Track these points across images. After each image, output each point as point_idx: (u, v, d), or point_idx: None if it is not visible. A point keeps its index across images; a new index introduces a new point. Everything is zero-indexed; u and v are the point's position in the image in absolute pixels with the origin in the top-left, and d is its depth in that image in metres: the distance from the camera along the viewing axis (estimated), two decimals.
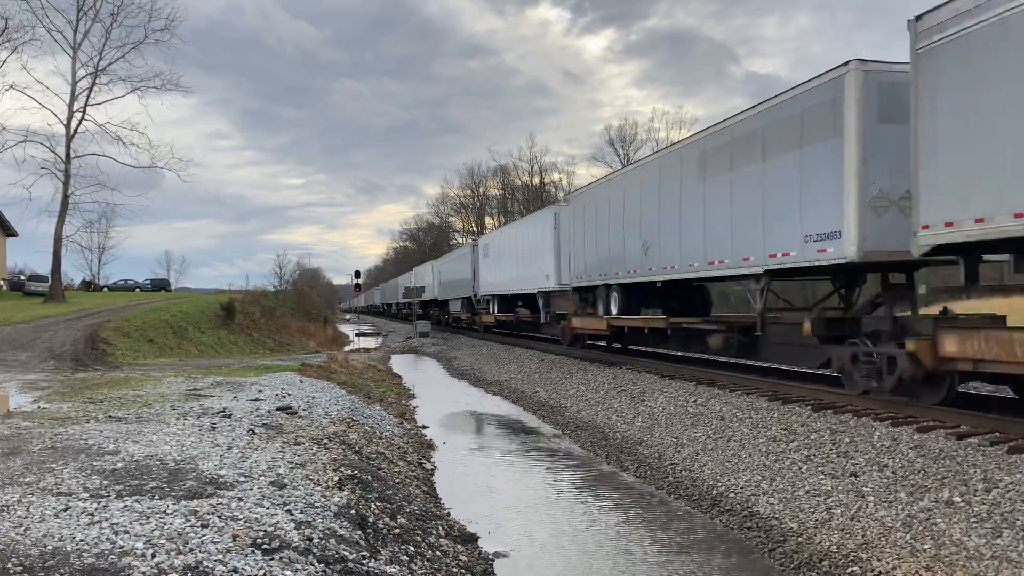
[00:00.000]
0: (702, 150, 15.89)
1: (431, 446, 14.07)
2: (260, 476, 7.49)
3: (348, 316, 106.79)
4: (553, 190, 73.27)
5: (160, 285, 73.91)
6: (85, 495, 6.43)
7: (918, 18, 10.08)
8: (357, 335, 56.08)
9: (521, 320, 34.42)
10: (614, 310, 21.24)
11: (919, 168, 9.97)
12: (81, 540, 5.19)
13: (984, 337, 9.64)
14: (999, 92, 8.82)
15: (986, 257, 10.35)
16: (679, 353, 20.47)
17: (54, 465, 7.53)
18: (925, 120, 9.92)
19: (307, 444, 9.58)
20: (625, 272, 19.99)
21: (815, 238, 12.07)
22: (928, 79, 9.87)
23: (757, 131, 13.74)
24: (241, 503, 6.38)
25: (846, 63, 11.44)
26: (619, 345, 24.15)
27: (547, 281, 27.82)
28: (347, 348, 40.38)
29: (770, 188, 13.32)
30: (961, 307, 12.69)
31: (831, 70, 11.78)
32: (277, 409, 12.24)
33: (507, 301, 35.85)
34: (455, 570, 6.89)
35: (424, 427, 16.05)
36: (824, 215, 11.85)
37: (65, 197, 40.83)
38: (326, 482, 7.73)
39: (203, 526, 5.64)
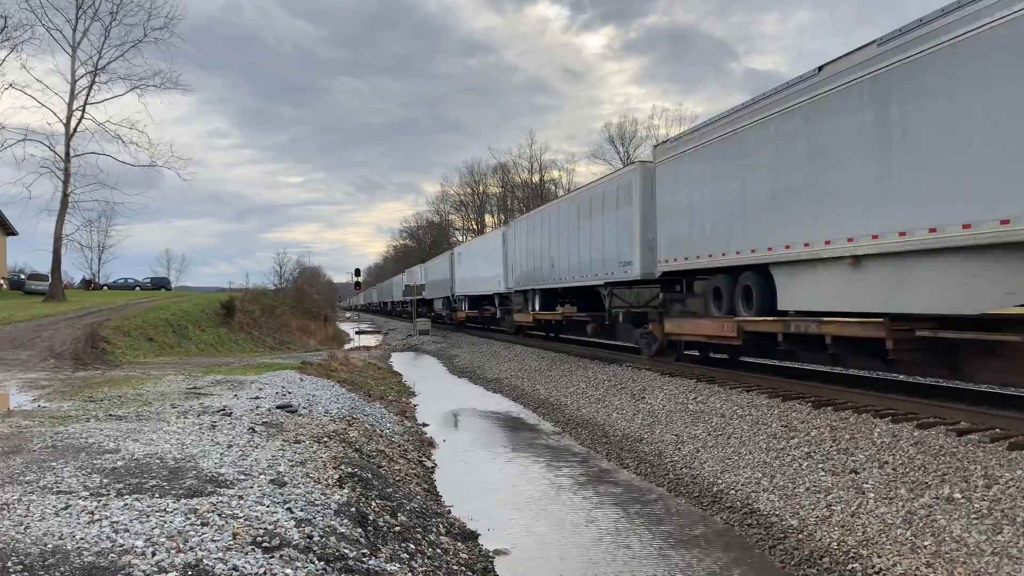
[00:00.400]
0: (579, 200, 23.98)
1: (431, 444, 14.07)
2: (260, 474, 7.48)
3: (348, 314, 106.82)
4: (553, 188, 73.27)
5: (160, 284, 73.96)
6: (85, 493, 6.43)
7: (655, 145, 18.71)
8: (357, 333, 56.14)
9: (484, 316, 41.57)
10: (537, 307, 29.67)
11: (657, 228, 17.97)
12: (81, 538, 5.19)
13: (675, 322, 17.36)
14: (679, 192, 16.70)
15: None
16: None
17: (54, 464, 7.53)
18: (658, 202, 17.90)
19: (307, 442, 9.58)
20: (541, 280, 28.26)
21: (623, 264, 20.06)
22: (659, 179, 17.83)
23: (601, 194, 21.83)
24: (241, 501, 6.38)
25: (633, 162, 21.48)
26: (552, 333, 31.70)
27: (499, 285, 35.48)
28: (347, 346, 40.40)
29: (606, 231, 21.31)
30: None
31: (628, 164, 23.03)
32: (277, 407, 12.24)
33: (475, 300, 43.37)
34: (455, 568, 6.89)
35: (424, 425, 16.05)
36: (626, 251, 19.85)
37: (65, 196, 40.81)
38: (326, 480, 7.73)
39: (203, 524, 5.64)
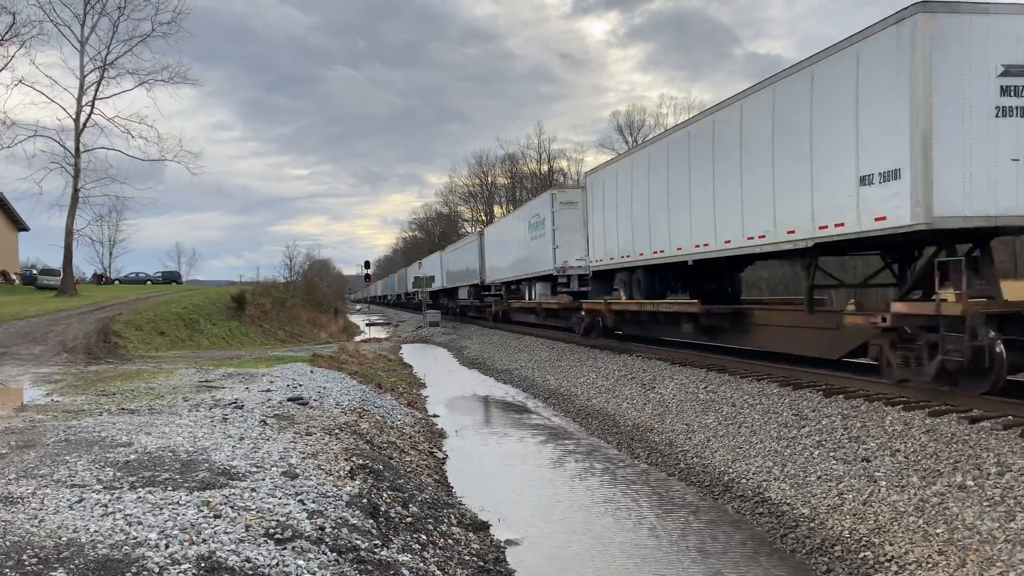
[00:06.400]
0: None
1: (442, 435, 14.10)
2: (272, 466, 7.52)
3: (358, 306, 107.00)
4: (562, 178, 73.09)
5: (171, 277, 74.18)
6: (99, 487, 6.47)
7: (482, 229, 47.11)
8: (367, 325, 56.18)
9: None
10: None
11: (484, 262, 41.65)
12: (95, 531, 5.22)
13: (508, 304, 37.40)
14: (496, 246, 38.81)
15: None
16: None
17: (68, 457, 7.58)
18: (484, 247, 41.73)
19: (319, 434, 9.62)
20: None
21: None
22: (483, 240, 42.46)
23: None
24: (254, 493, 6.41)
25: (479, 231, 46.85)
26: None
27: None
28: (358, 338, 40.49)
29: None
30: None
31: (472, 235, 50.12)
32: (288, 400, 12.29)
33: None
34: (467, 558, 6.92)
35: (435, 416, 16.09)
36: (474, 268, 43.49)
37: (75, 191, 40.96)
38: (338, 472, 7.76)
39: (216, 517, 5.67)
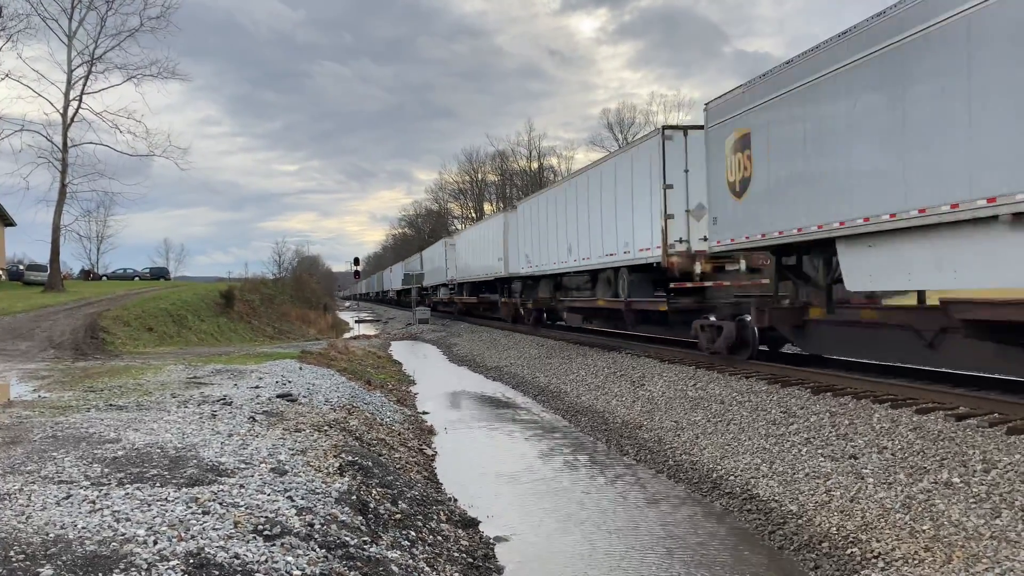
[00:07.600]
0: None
1: (432, 432, 14.10)
2: (261, 463, 7.51)
3: (347, 303, 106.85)
4: (552, 176, 73.13)
5: (159, 273, 73.89)
6: (86, 483, 6.44)
7: (421, 251, 63.93)
8: (357, 322, 56.05)
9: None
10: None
11: (423, 272, 58.63)
12: (83, 528, 5.20)
13: (431, 299, 58.13)
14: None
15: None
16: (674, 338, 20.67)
17: (55, 454, 7.55)
18: (423, 262, 60.50)
19: (308, 431, 9.60)
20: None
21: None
22: (422, 258, 62.05)
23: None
24: (242, 490, 6.40)
25: (419, 253, 64.60)
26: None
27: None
28: (347, 335, 40.40)
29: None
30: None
31: (416, 254, 66.68)
32: (277, 396, 12.26)
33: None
34: (456, 554, 6.92)
35: (425, 413, 16.08)
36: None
37: (63, 186, 40.68)
38: (327, 468, 7.75)
39: (204, 513, 5.66)
